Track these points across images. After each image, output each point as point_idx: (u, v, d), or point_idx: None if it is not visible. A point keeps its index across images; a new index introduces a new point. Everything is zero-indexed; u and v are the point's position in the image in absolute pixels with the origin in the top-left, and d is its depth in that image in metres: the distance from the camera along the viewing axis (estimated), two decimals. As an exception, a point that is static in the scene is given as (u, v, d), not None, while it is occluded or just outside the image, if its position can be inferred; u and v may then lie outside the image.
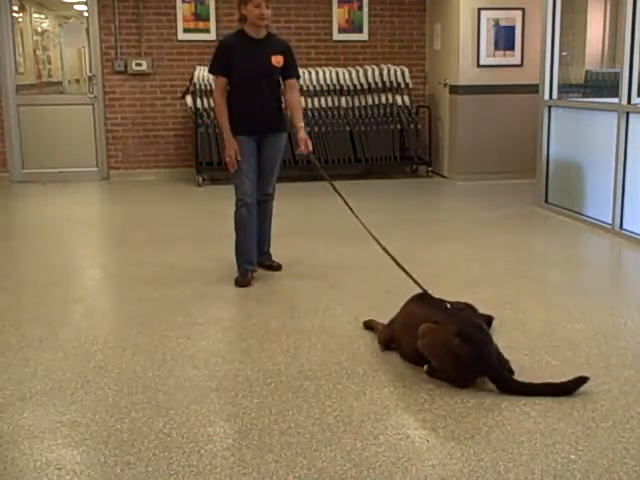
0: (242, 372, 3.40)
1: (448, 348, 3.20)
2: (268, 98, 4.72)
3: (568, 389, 3.12)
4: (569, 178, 6.80)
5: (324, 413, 2.98)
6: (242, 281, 4.70)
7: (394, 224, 6.43)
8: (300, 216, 6.94)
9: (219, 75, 4.66)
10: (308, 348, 3.67)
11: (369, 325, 3.92)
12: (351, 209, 4.42)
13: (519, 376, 3.26)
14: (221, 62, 4.64)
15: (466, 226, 6.53)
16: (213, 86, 4.81)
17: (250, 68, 4.62)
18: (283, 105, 4.84)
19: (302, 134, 4.77)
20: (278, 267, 5.03)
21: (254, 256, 4.83)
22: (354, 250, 5.45)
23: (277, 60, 4.68)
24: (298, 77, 4.90)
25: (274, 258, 5.07)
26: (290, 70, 4.80)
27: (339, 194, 4.50)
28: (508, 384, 3.15)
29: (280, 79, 4.78)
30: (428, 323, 3.31)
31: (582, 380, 3.13)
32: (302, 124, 4.81)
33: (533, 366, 3.43)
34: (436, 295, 3.65)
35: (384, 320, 3.76)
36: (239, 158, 4.63)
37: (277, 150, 4.84)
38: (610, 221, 6.07)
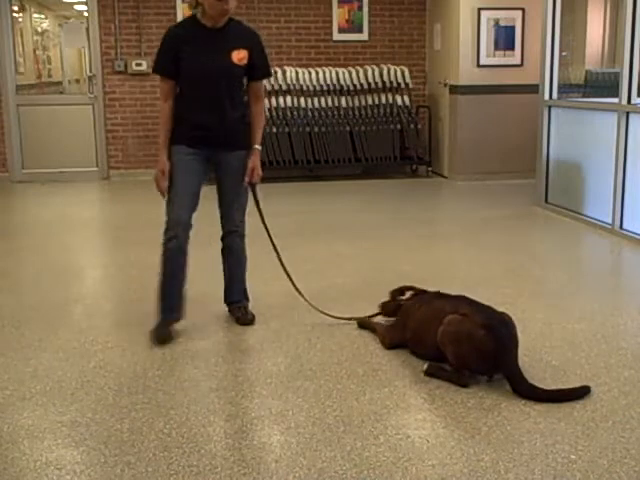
0: (242, 372, 3.40)
1: (472, 338, 3.18)
2: (227, 105, 3.74)
3: (577, 395, 3.10)
4: (569, 178, 6.80)
5: (324, 413, 2.98)
6: (159, 334, 3.73)
7: (394, 224, 6.43)
8: (300, 216, 6.94)
9: (164, 76, 3.75)
10: (308, 348, 3.67)
11: (364, 324, 3.93)
12: (273, 244, 4.13)
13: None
14: (167, 59, 3.72)
15: (466, 226, 6.53)
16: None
17: (204, 67, 3.69)
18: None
19: (255, 160, 3.85)
20: (250, 321, 4.02)
21: (178, 302, 3.87)
22: (355, 250, 5.45)
23: (239, 57, 3.73)
24: (269, 75, 3.98)
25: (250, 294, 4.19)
26: (256, 70, 3.84)
27: (267, 230, 4.09)
28: (524, 386, 3.11)
29: (245, 81, 3.85)
30: (455, 315, 3.30)
31: (587, 389, 3.13)
32: (259, 147, 3.88)
33: (533, 366, 3.43)
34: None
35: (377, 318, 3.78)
36: (166, 183, 3.74)
37: (238, 173, 3.85)
38: (610, 221, 6.07)
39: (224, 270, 4.08)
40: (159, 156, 3.75)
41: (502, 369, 3.19)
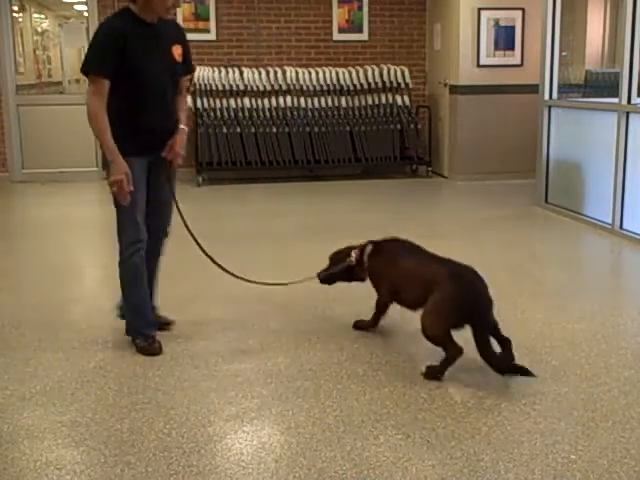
0: (242, 372, 3.40)
1: (442, 290, 3.31)
2: (171, 105, 3.57)
3: (526, 372, 3.19)
4: (569, 178, 6.80)
5: (324, 413, 2.98)
6: (150, 349, 3.61)
7: (394, 224, 6.42)
8: (300, 216, 6.95)
9: (102, 76, 3.30)
10: (308, 348, 3.67)
11: (359, 325, 3.96)
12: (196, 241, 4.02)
13: (520, 378, 3.26)
14: (108, 57, 3.31)
15: (466, 226, 6.53)
16: (88, 88, 3.35)
17: (152, 67, 3.44)
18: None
19: (181, 139, 3.61)
20: (169, 324, 3.92)
21: (153, 314, 3.79)
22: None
23: (178, 53, 3.54)
24: (194, 70, 3.82)
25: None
26: (188, 65, 3.67)
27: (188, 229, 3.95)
28: (487, 346, 3.21)
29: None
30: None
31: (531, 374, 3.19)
32: (185, 128, 3.66)
33: (533, 366, 3.42)
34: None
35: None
36: (131, 188, 3.38)
37: (175, 171, 3.73)
38: (610, 221, 6.07)
39: (149, 276, 3.78)
40: (115, 160, 3.33)
41: (473, 315, 3.25)
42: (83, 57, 3.41)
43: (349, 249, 3.94)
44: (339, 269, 3.92)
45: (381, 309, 3.86)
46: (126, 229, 3.52)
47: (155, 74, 3.44)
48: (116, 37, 3.32)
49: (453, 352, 3.29)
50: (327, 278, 4.00)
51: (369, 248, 3.86)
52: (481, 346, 3.21)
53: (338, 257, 3.99)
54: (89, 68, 3.35)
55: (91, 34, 3.71)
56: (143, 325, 3.69)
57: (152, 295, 3.82)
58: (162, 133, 3.54)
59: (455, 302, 3.30)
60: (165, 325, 3.90)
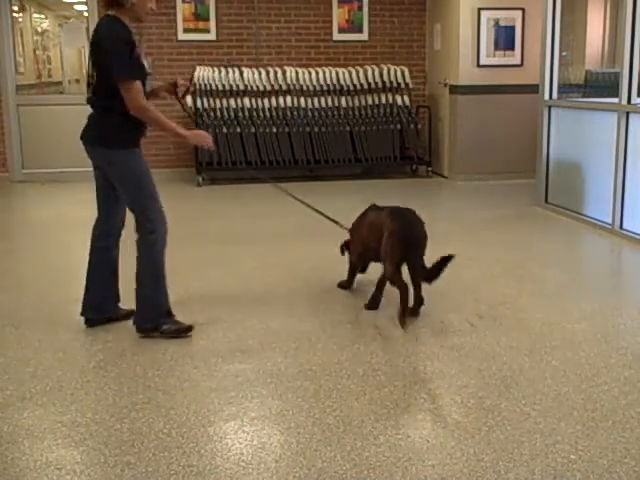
0: (242, 372, 3.40)
1: (386, 228, 4.01)
2: None
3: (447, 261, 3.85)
4: (569, 178, 6.80)
5: (324, 413, 2.98)
6: (186, 330, 3.88)
7: (394, 224, 6.42)
8: (300, 216, 6.93)
9: (138, 79, 3.59)
10: (308, 348, 3.67)
11: (342, 284, 4.60)
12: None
13: (520, 378, 3.27)
14: (136, 60, 3.61)
15: (466, 226, 6.53)
16: (127, 94, 3.55)
17: (145, 67, 3.76)
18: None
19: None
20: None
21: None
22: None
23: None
24: None
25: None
26: None
27: None
28: (423, 266, 3.92)
29: None
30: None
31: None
32: None
33: (533, 366, 3.43)
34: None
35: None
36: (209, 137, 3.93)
37: None
38: (610, 221, 6.07)
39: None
40: (184, 134, 3.80)
41: (411, 246, 3.94)
42: (111, 65, 3.55)
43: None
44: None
45: (352, 269, 4.56)
46: (153, 212, 3.84)
47: (145, 74, 3.69)
48: (132, 42, 3.58)
49: (401, 287, 3.91)
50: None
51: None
52: (416, 270, 3.97)
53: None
54: (126, 72, 3.55)
55: (91, 34, 3.75)
56: (168, 307, 3.90)
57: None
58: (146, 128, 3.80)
59: (398, 235, 3.97)
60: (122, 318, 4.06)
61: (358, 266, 4.55)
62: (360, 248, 4.41)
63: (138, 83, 3.58)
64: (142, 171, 3.77)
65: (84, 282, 3.97)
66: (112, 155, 3.73)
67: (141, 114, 3.62)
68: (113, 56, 3.55)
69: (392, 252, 3.97)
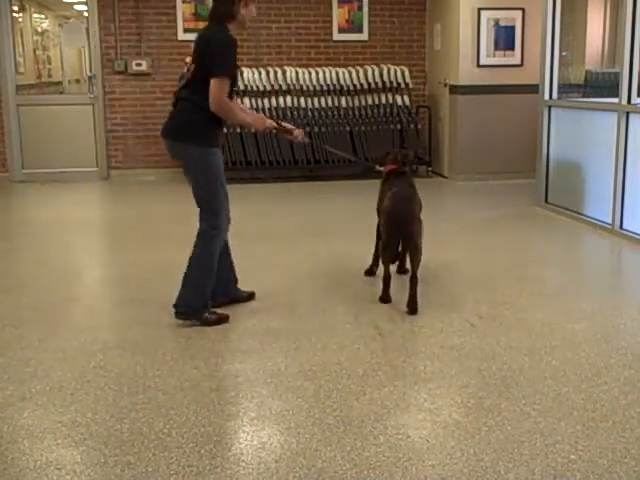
0: (242, 372, 3.40)
1: (383, 203, 4.40)
2: None
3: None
4: (569, 178, 6.79)
5: (324, 413, 2.98)
6: (222, 320, 4.08)
7: (394, 224, 6.42)
8: (300, 216, 6.94)
9: (229, 79, 3.89)
10: (308, 348, 3.67)
11: (370, 272, 4.80)
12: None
13: (520, 378, 3.27)
14: (233, 63, 3.97)
15: (466, 226, 6.53)
16: (212, 89, 3.84)
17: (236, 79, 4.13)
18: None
19: None
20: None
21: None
22: (355, 249, 5.44)
23: None
24: None
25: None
26: None
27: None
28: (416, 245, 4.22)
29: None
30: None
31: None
32: None
33: (533, 366, 3.43)
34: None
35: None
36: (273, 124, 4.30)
37: None
38: (610, 221, 6.07)
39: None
40: (254, 122, 4.29)
41: (401, 223, 4.23)
42: (213, 62, 3.83)
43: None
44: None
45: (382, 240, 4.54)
46: (218, 207, 4.04)
47: (235, 84, 4.05)
48: (235, 47, 3.94)
49: (385, 272, 4.28)
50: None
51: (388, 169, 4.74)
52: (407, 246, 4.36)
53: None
54: (224, 69, 3.85)
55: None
56: (209, 295, 4.06)
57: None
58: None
59: (385, 214, 4.34)
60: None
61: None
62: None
63: (227, 83, 3.85)
64: (219, 169, 4.03)
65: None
66: (190, 149, 3.94)
67: (218, 107, 3.87)
68: (217, 56, 3.86)
69: (383, 230, 4.36)
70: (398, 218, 4.27)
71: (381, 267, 4.40)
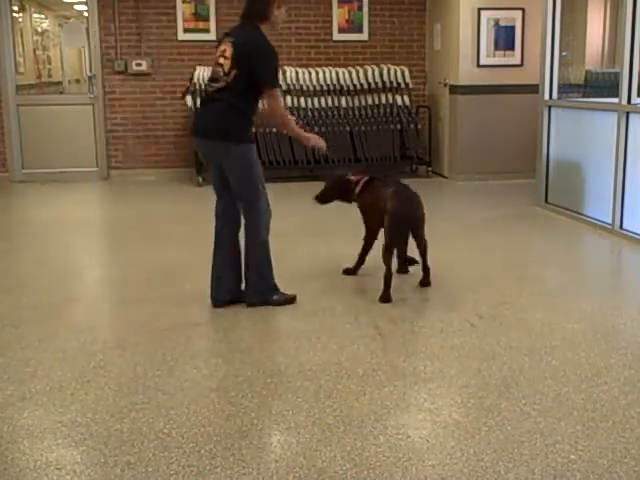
0: (242, 372, 3.40)
1: (386, 202, 4.37)
2: None
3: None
4: (569, 178, 6.79)
5: (324, 413, 2.98)
6: (294, 300, 4.38)
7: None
8: (300, 216, 6.94)
9: (279, 87, 4.18)
10: (308, 348, 3.67)
11: (348, 271, 4.85)
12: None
13: (520, 378, 3.27)
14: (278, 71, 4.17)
15: (466, 226, 6.53)
16: (273, 100, 4.11)
17: None
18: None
19: None
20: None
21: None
22: (355, 250, 5.44)
23: None
24: None
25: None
26: None
27: None
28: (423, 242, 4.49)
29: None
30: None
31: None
32: None
33: (533, 366, 3.43)
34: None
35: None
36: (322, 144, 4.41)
37: None
38: (610, 221, 6.07)
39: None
40: (305, 136, 4.39)
41: (408, 222, 4.39)
42: (261, 72, 4.02)
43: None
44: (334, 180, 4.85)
45: (368, 240, 4.75)
46: (263, 205, 4.23)
47: None
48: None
49: (387, 272, 4.33)
50: (323, 194, 4.86)
51: (365, 180, 4.71)
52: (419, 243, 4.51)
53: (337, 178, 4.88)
54: (276, 81, 4.13)
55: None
56: (275, 283, 4.33)
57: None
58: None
59: (395, 215, 4.34)
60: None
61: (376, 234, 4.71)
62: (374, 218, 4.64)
63: (279, 91, 4.17)
64: (259, 166, 4.24)
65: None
66: (231, 148, 4.10)
67: (281, 118, 4.24)
68: (266, 64, 4.03)
69: (390, 230, 4.39)
70: (407, 218, 4.41)
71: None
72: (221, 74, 4.05)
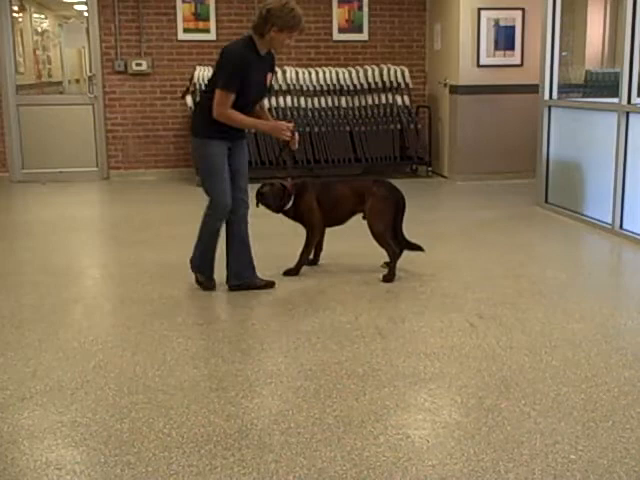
0: (242, 372, 3.40)
1: (373, 195, 4.70)
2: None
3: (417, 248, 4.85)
4: (569, 178, 6.80)
5: (324, 413, 2.98)
6: (208, 285, 4.61)
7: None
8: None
9: (232, 93, 4.18)
10: (308, 348, 3.67)
11: (289, 272, 4.87)
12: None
13: (520, 378, 3.27)
14: (237, 79, 4.18)
15: (466, 226, 6.53)
16: (215, 101, 4.21)
17: (255, 88, 4.31)
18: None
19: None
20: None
21: (210, 266, 4.66)
22: (355, 250, 5.44)
23: (269, 79, 4.45)
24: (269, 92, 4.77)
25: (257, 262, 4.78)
26: (268, 88, 4.58)
27: None
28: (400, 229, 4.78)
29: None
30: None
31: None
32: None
33: (533, 366, 3.43)
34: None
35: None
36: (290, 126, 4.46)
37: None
38: (610, 221, 6.07)
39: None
40: (257, 125, 4.53)
41: (398, 207, 4.75)
42: (216, 74, 4.31)
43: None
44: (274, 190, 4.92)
45: (317, 236, 4.91)
46: (217, 198, 4.43)
47: (253, 95, 4.33)
48: (242, 63, 4.17)
49: (393, 251, 4.69)
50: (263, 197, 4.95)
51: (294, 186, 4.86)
52: (399, 232, 4.78)
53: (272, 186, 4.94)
54: (224, 84, 4.18)
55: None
56: (205, 269, 4.56)
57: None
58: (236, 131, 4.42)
59: (387, 200, 4.73)
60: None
61: (324, 230, 4.98)
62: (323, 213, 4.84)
63: (229, 96, 4.17)
64: (211, 158, 4.35)
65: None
66: (193, 141, 4.46)
67: (224, 119, 4.25)
68: (221, 67, 4.22)
69: (385, 216, 4.72)
70: (398, 199, 4.82)
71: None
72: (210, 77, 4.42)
